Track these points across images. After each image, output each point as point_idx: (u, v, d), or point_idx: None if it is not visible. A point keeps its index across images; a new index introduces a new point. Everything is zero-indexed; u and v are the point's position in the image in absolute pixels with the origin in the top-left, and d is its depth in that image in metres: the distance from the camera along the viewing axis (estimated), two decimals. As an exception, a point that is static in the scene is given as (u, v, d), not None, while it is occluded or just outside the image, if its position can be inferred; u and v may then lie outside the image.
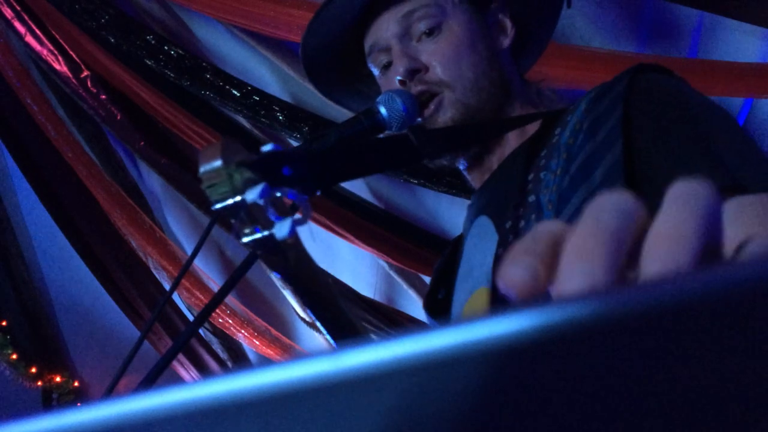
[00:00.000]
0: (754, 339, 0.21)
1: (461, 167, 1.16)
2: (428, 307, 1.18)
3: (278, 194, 0.74)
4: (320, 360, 0.23)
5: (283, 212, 0.73)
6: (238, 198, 0.71)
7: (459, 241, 1.17)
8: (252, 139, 3.59)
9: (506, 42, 1.13)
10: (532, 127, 1.08)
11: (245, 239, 0.74)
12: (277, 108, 3.35)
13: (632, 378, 0.22)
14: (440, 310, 1.15)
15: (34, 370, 4.21)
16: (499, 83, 1.10)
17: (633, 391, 0.22)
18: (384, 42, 1.12)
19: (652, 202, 0.34)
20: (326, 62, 1.21)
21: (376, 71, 1.16)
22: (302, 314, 3.93)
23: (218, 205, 0.73)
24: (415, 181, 3.29)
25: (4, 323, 4.17)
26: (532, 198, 0.94)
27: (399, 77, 1.09)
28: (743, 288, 0.22)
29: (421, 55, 1.09)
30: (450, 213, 3.54)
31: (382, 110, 1.06)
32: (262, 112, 3.35)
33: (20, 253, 4.27)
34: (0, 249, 4.20)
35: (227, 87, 3.37)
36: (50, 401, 4.27)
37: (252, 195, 0.71)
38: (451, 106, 1.07)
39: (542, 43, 1.22)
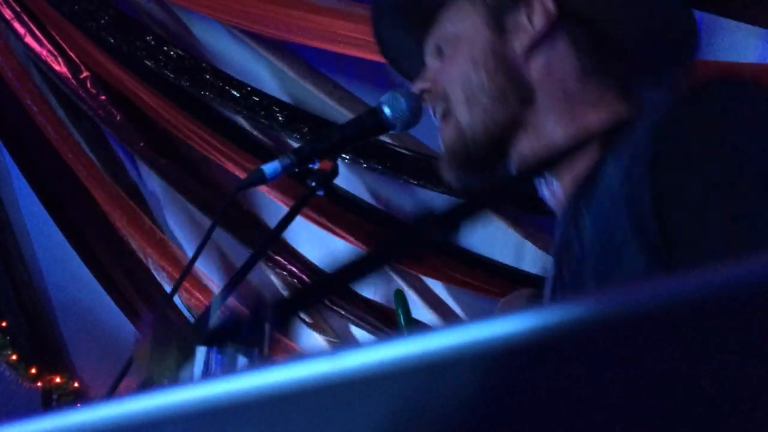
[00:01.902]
0: (753, 338, 0.22)
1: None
2: None
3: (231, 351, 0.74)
4: (320, 360, 0.23)
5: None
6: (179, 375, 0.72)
7: None
8: (251, 140, 3.59)
9: (525, 43, 0.96)
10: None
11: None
12: (276, 109, 3.34)
13: (631, 378, 0.22)
14: None
15: (33, 370, 4.21)
16: (505, 94, 0.95)
17: (632, 390, 0.22)
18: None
19: None
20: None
21: None
22: (302, 315, 3.93)
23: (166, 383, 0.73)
24: (415, 182, 3.29)
25: (3, 324, 4.17)
26: (576, 246, 0.83)
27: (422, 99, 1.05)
28: (743, 288, 0.22)
29: (430, 74, 1.02)
30: (450, 213, 3.54)
31: (386, 110, 1.06)
32: (262, 113, 3.35)
33: (20, 253, 4.26)
34: (0, 249, 4.19)
35: (227, 88, 3.37)
36: (50, 402, 4.26)
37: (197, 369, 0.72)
38: (450, 127, 0.99)
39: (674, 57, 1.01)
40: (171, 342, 0.74)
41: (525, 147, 0.95)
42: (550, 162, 0.94)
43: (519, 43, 0.97)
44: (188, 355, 0.71)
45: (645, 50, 0.98)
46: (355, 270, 0.89)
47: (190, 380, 0.74)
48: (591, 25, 0.96)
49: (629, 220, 0.75)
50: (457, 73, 0.97)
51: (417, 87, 1.02)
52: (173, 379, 0.72)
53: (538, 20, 0.97)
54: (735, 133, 0.75)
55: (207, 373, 0.70)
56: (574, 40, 0.96)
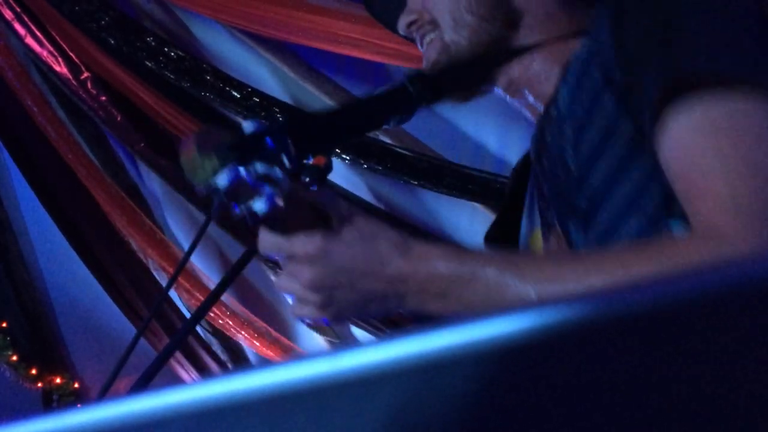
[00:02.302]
0: (754, 337, 0.22)
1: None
2: (490, 237, 1.13)
3: (259, 171, 0.79)
4: (319, 361, 0.23)
5: (270, 182, 0.79)
6: (212, 182, 0.77)
7: (524, 169, 1.09)
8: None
9: None
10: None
11: (234, 212, 0.80)
12: (277, 109, 3.35)
13: (631, 377, 0.22)
14: (504, 243, 1.10)
15: (34, 371, 4.21)
16: (492, 16, 0.99)
17: (632, 390, 0.22)
18: None
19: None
20: None
21: None
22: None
23: (200, 190, 0.79)
24: (415, 182, 3.29)
25: (4, 324, 4.17)
26: (553, 110, 0.94)
27: (404, 35, 1.06)
28: (742, 288, 0.22)
29: (415, 5, 1.04)
30: (450, 214, 3.54)
31: None
32: (263, 114, 3.35)
33: (20, 253, 4.26)
34: (0, 249, 4.19)
35: (227, 88, 3.37)
36: (51, 402, 4.26)
37: (222, 181, 0.76)
38: (435, 45, 1.02)
39: None
40: (213, 148, 0.80)
41: (514, 71, 1.01)
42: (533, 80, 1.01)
43: None
44: (225, 164, 0.77)
45: None
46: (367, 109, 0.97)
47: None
48: None
49: (599, 75, 0.86)
50: None
51: (403, 21, 1.05)
52: (209, 185, 0.78)
53: None
54: None
55: (235, 186, 0.76)
56: None
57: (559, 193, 0.91)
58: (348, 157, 3.24)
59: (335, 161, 1.10)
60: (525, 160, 1.10)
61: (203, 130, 0.81)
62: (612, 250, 0.84)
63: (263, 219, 0.78)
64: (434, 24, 1.02)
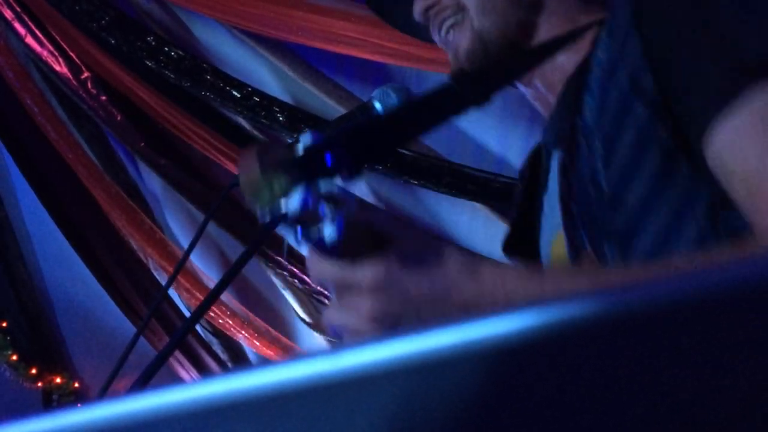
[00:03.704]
0: (752, 338, 0.22)
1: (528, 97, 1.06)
2: (509, 246, 1.08)
3: (322, 189, 0.71)
4: (319, 360, 0.23)
5: (333, 204, 0.72)
6: (280, 205, 0.69)
7: (534, 171, 1.06)
8: (252, 141, 3.59)
9: None
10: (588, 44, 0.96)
11: (296, 238, 0.72)
12: (277, 109, 3.35)
13: (632, 377, 0.22)
14: (523, 250, 1.06)
15: (34, 371, 4.21)
16: (518, 0, 0.98)
17: (633, 389, 0.22)
18: None
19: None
20: None
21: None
22: (302, 315, 3.93)
23: (263, 215, 0.71)
24: (415, 182, 3.29)
25: (4, 324, 4.17)
26: (579, 121, 0.88)
27: (419, 21, 1.01)
28: (742, 288, 0.22)
29: None
30: (451, 214, 3.54)
31: (377, 105, 1.07)
32: (263, 113, 3.35)
33: (20, 253, 4.27)
34: (0, 249, 4.19)
35: (227, 88, 3.37)
36: (50, 402, 4.26)
37: (294, 202, 0.69)
38: (466, 30, 0.98)
39: None
40: (276, 169, 0.71)
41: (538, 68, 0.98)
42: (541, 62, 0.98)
43: None
44: (289, 188, 0.69)
45: None
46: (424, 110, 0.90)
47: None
48: None
49: (626, 82, 0.80)
50: None
51: (421, 5, 1.00)
52: (275, 209, 0.70)
53: None
54: None
55: (306, 210, 0.68)
56: None
57: (591, 213, 0.85)
58: (348, 157, 3.24)
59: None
60: (532, 161, 1.07)
61: (262, 146, 0.75)
62: (673, 259, 0.76)
63: (329, 245, 0.70)
64: (458, 8, 0.98)
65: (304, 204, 0.68)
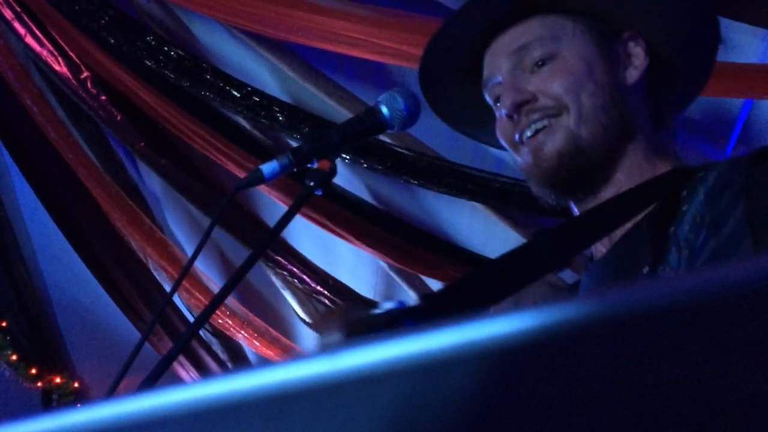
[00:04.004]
0: (752, 338, 0.22)
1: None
2: None
3: None
4: (319, 361, 0.23)
5: None
6: None
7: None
8: (251, 140, 3.59)
9: (635, 75, 0.99)
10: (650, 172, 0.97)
11: None
12: (277, 109, 3.35)
13: (631, 378, 0.22)
14: None
15: (34, 371, 4.21)
16: (619, 122, 0.97)
17: (631, 390, 0.22)
18: (497, 75, 1.02)
19: None
20: (448, 86, 1.10)
21: (492, 103, 1.06)
22: (302, 315, 3.93)
23: None
24: (415, 182, 3.29)
25: (4, 324, 4.17)
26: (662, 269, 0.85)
27: (505, 112, 0.99)
28: (742, 288, 0.22)
29: (529, 86, 0.98)
30: (450, 213, 3.54)
31: (384, 110, 1.06)
32: (262, 113, 3.35)
33: (20, 253, 4.26)
34: (0, 249, 4.19)
35: (227, 88, 3.37)
36: (50, 402, 4.26)
37: None
38: (561, 131, 0.96)
39: (694, 85, 1.06)
40: (357, 334, 0.68)
41: (614, 180, 0.98)
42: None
43: (628, 75, 0.99)
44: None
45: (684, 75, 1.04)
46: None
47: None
48: (660, 70, 1.01)
49: (725, 238, 0.80)
50: (576, 84, 0.96)
51: (515, 100, 0.98)
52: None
53: (642, 53, 0.99)
54: None
55: None
56: (649, 85, 1.01)
57: None
58: (348, 157, 3.24)
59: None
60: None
61: (342, 310, 0.71)
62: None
63: None
64: (558, 110, 0.97)
65: None
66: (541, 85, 0.97)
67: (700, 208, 0.85)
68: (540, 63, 0.98)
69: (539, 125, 0.97)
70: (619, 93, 0.98)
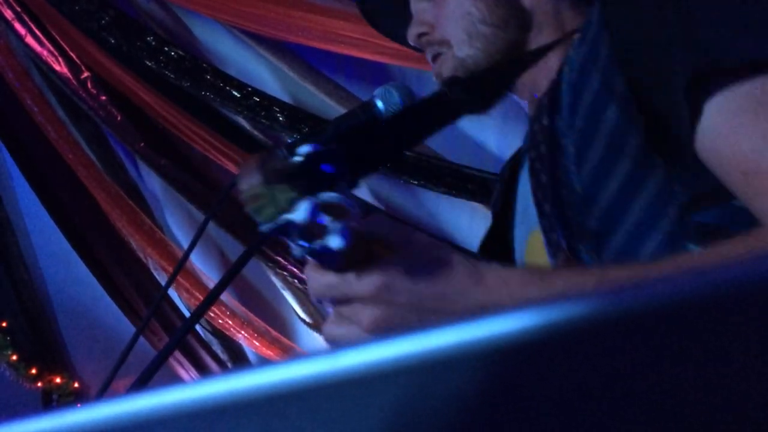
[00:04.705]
0: (753, 338, 0.22)
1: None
2: (485, 247, 1.09)
3: (326, 199, 0.69)
4: (319, 361, 0.23)
5: (337, 214, 0.70)
6: (285, 218, 0.68)
7: (512, 173, 1.07)
8: (252, 140, 3.59)
9: None
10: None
11: (299, 251, 0.70)
12: (277, 109, 3.35)
13: (631, 377, 0.22)
14: (498, 249, 1.06)
15: (34, 371, 4.21)
16: (506, 22, 0.99)
17: (634, 389, 0.22)
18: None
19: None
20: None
21: None
22: (302, 315, 3.93)
23: (266, 227, 0.69)
24: (415, 182, 3.29)
25: (4, 324, 4.17)
26: (551, 122, 0.88)
27: (414, 45, 1.04)
28: (742, 288, 0.22)
29: (427, 15, 1.03)
30: (450, 214, 3.54)
31: (379, 104, 1.07)
32: (262, 113, 3.35)
33: (20, 253, 4.27)
34: (0, 249, 4.19)
35: (227, 88, 3.37)
36: (50, 402, 4.26)
37: (299, 215, 0.66)
38: (449, 60, 1.00)
39: None
40: (280, 180, 0.69)
41: (527, 73, 0.99)
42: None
43: None
44: (293, 200, 0.67)
45: None
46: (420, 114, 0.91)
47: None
48: None
49: (599, 83, 0.80)
50: (456, 10, 0.99)
51: (413, 32, 1.03)
52: (281, 221, 0.67)
53: None
54: None
55: (310, 222, 0.65)
56: None
57: (564, 213, 0.85)
58: (348, 157, 3.24)
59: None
60: (512, 163, 1.08)
61: (263, 157, 0.72)
62: (678, 257, 0.75)
63: (336, 256, 0.67)
64: (447, 43, 1.00)
65: (309, 216, 0.66)
66: (433, 16, 1.01)
67: (575, 57, 0.86)
68: None
69: (433, 53, 1.02)
70: None
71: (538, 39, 0.99)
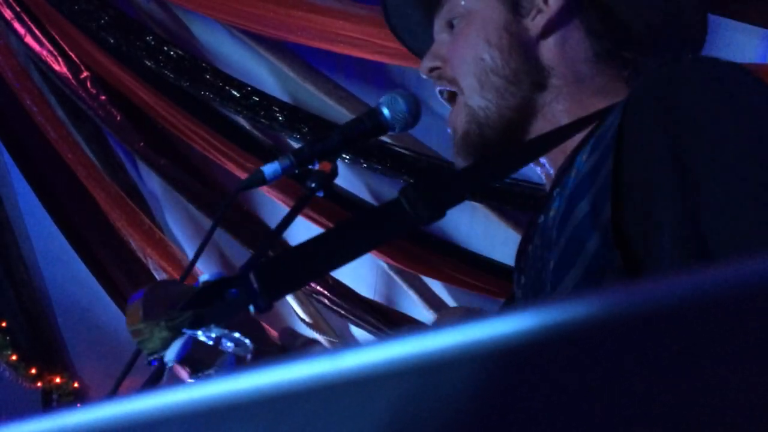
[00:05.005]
0: (753, 339, 0.22)
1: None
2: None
3: (213, 334, 0.71)
4: (319, 361, 0.23)
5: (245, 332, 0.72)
6: (161, 356, 0.70)
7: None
8: (251, 140, 3.59)
9: (541, 22, 0.93)
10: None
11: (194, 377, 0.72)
12: (276, 109, 3.35)
13: (632, 379, 0.22)
14: None
15: (33, 371, 4.21)
16: (520, 78, 0.93)
17: (633, 391, 0.22)
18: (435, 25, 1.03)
19: None
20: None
21: None
22: (302, 315, 3.93)
23: (152, 358, 0.72)
24: (415, 182, 3.28)
25: (3, 324, 4.17)
26: (540, 219, 0.85)
27: (425, 76, 1.01)
28: (742, 288, 0.22)
29: (442, 50, 0.99)
30: (450, 214, 3.53)
31: (385, 111, 1.06)
32: (262, 113, 3.35)
33: (20, 253, 4.26)
34: (0, 249, 4.19)
35: (227, 88, 3.37)
36: (50, 402, 4.26)
37: (170, 356, 0.70)
38: (461, 114, 0.96)
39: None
40: (162, 313, 0.72)
41: (536, 132, 0.94)
42: (554, 146, 0.91)
43: (534, 23, 0.94)
44: (176, 334, 0.69)
45: (656, 40, 0.96)
46: (333, 247, 0.86)
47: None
48: (605, 9, 0.93)
49: (587, 207, 0.74)
50: (469, 53, 0.95)
51: (426, 65, 0.99)
52: (159, 352, 0.70)
53: (554, 1, 0.94)
54: (693, 110, 0.71)
55: (191, 356, 0.69)
56: (587, 24, 0.94)
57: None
58: (348, 157, 3.24)
59: (335, 161, 1.09)
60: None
61: (153, 288, 0.74)
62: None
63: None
64: (456, 84, 0.96)
65: (183, 352, 0.69)
66: (446, 52, 0.98)
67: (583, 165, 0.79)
68: (452, 22, 0.99)
69: (446, 92, 0.99)
70: (518, 47, 0.94)
71: (552, 104, 0.93)
